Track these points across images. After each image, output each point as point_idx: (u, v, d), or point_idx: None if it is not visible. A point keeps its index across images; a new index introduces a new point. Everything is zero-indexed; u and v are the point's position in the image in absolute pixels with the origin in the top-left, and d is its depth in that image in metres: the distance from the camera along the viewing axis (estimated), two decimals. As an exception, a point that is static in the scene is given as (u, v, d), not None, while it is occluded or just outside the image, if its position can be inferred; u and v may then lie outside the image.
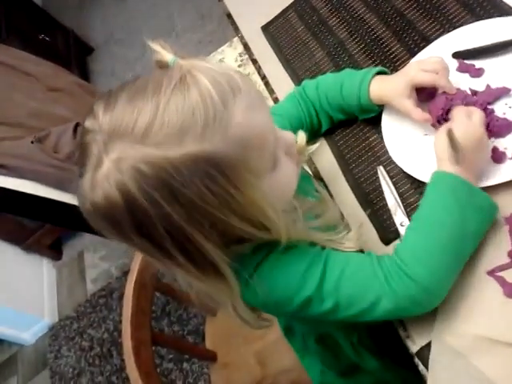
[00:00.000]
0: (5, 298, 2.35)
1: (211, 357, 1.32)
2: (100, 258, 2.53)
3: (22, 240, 2.48)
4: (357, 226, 0.81)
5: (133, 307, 1.08)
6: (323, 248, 0.73)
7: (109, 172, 0.57)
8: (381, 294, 0.68)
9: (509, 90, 0.83)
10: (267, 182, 0.65)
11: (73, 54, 3.06)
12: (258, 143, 0.62)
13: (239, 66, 1.61)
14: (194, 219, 0.59)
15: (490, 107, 0.82)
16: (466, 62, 0.89)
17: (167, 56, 0.63)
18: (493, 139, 0.80)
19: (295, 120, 0.93)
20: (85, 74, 3.14)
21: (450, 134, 0.72)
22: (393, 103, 0.86)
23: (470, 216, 0.70)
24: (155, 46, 0.64)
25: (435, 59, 0.84)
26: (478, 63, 0.89)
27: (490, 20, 0.90)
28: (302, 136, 0.87)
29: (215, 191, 0.58)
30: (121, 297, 1.94)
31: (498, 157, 0.77)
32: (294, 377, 1.20)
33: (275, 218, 0.65)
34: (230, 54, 1.69)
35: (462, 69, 0.89)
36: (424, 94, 0.85)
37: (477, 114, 0.76)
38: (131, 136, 0.57)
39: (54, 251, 2.65)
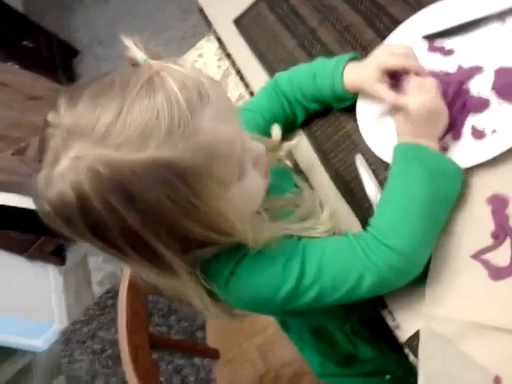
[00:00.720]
0: (14, 308, 2.38)
1: (214, 354, 1.32)
2: (103, 261, 2.54)
3: (25, 249, 2.48)
4: (327, 208, 0.79)
5: (127, 313, 1.08)
6: (299, 238, 0.73)
7: (65, 170, 0.55)
8: (363, 271, 0.68)
9: (480, 69, 0.81)
10: (232, 192, 0.64)
11: (57, 57, 3.03)
12: (224, 153, 0.61)
13: (219, 59, 1.59)
14: (151, 225, 0.58)
15: (464, 87, 0.81)
16: (436, 43, 0.87)
17: (138, 54, 0.61)
18: (470, 117, 0.78)
19: (268, 114, 0.91)
20: (71, 77, 3.12)
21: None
22: (366, 90, 0.85)
23: (438, 180, 0.71)
24: (128, 43, 0.62)
25: (402, 44, 0.82)
26: (448, 43, 0.87)
27: (446, 1, 0.88)
28: (276, 130, 0.86)
29: (175, 199, 0.57)
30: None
31: (478, 134, 0.76)
32: (297, 368, 1.21)
33: (240, 226, 0.64)
34: (208, 49, 1.66)
35: (432, 49, 0.87)
36: (395, 82, 0.84)
37: (429, 83, 0.76)
38: (91, 135, 0.55)
39: (57, 257, 2.66)
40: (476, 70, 0.81)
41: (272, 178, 0.77)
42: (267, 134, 0.87)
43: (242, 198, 0.66)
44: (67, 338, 2.47)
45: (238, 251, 0.70)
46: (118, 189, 0.55)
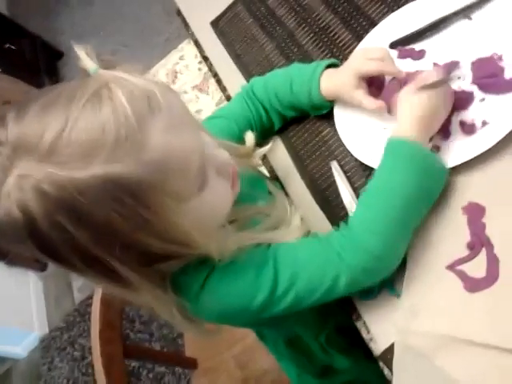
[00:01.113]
0: (-6, 314, 2.33)
1: (191, 364, 1.29)
2: (85, 267, 2.50)
3: (4, 254, 2.43)
4: (297, 217, 0.78)
5: (100, 323, 1.06)
6: (269, 244, 0.71)
7: (11, 190, 0.52)
8: (337, 271, 0.67)
9: (457, 63, 0.80)
10: (192, 204, 0.61)
11: (41, 60, 3.00)
12: (179, 166, 0.58)
13: (200, 62, 1.58)
14: (103, 242, 0.56)
15: None
16: (404, 48, 0.86)
17: (89, 64, 0.58)
18: (456, 113, 0.77)
19: (243, 121, 0.89)
20: (56, 79, 3.09)
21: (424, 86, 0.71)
22: (343, 97, 0.83)
23: (423, 179, 0.69)
24: (80, 52, 0.59)
25: (377, 47, 0.80)
26: (416, 46, 0.86)
27: (417, 1, 0.87)
28: (250, 137, 0.84)
29: (126, 215, 0.54)
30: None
31: (468, 130, 0.74)
32: (275, 377, 1.19)
33: (201, 239, 0.62)
34: (189, 51, 1.65)
35: (403, 55, 0.86)
36: (373, 88, 0.82)
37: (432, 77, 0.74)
38: (36, 152, 0.52)
39: (38, 263, 2.61)
40: (453, 65, 0.80)
41: (244, 186, 0.75)
42: (242, 141, 0.85)
43: (204, 210, 0.63)
44: (47, 344, 2.43)
45: (206, 264, 0.67)
46: (64, 207, 0.52)
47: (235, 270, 0.68)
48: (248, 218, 0.75)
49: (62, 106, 0.53)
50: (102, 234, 0.55)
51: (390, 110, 0.80)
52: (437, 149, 0.75)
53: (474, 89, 0.77)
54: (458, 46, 0.82)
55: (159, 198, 0.56)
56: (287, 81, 0.87)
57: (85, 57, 0.58)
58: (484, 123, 0.73)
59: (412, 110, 0.72)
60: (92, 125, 0.52)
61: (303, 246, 0.71)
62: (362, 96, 0.80)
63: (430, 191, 0.71)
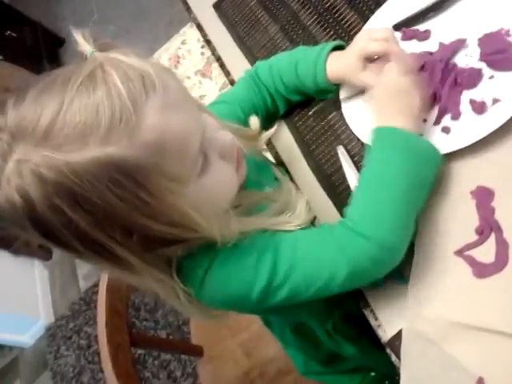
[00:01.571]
0: (0, 304, 2.33)
1: (197, 351, 1.29)
2: (90, 255, 2.50)
3: (10, 243, 2.44)
4: (303, 201, 0.77)
5: (107, 311, 1.06)
6: (274, 233, 0.70)
7: (10, 175, 0.52)
8: (337, 262, 0.65)
9: (464, 41, 0.78)
10: (193, 187, 0.60)
11: (42, 47, 2.98)
12: (176, 148, 0.57)
13: (202, 46, 1.55)
14: (102, 226, 0.55)
15: (451, 62, 0.77)
16: (409, 29, 0.84)
17: (86, 47, 0.58)
18: (465, 92, 0.75)
19: (247, 106, 0.87)
20: (57, 66, 3.05)
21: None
22: (348, 79, 0.81)
23: (415, 164, 0.67)
24: (77, 36, 0.59)
25: (382, 28, 0.78)
26: (421, 27, 0.84)
27: None
28: (254, 121, 0.82)
29: (124, 198, 0.54)
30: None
31: (478, 108, 0.72)
32: (281, 365, 1.19)
33: (203, 222, 0.61)
34: (192, 35, 1.63)
35: (407, 36, 0.84)
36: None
37: (389, 64, 0.74)
38: (33, 137, 0.52)
39: (44, 251, 2.62)
40: (459, 43, 0.78)
41: (250, 172, 0.74)
42: (247, 126, 0.83)
43: (206, 193, 0.63)
44: (53, 333, 2.44)
45: (211, 250, 0.66)
46: (62, 191, 0.52)
47: (237, 256, 0.67)
48: (254, 203, 0.74)
49: (58, 89, 0.53)
50: (100, 217, 0.54)
51: None
52: (447, 130, 0.73)
53: (483, 66, 0.75)
54: (464, 24, 0.80)
55: (157, 179, 0.55)
56: (292, 64, 0.85)
57: (82, 41, 0.58)
58: (495, 101, 0.71)
59: (381, 99, 0.72)
60: (86, 107, 0.52)
61: (304, 237, 0.69)
62: (367, 77, 0.78)
63: (423, 175, 0.68)
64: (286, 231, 0.71)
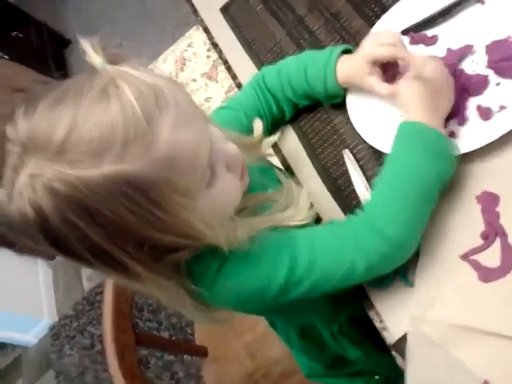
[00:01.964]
0: (3, 303, 2.35)
1: (202, 352, 1.29)
2: (93, 255, 2.51)
3: (14, 242, 2.44)
4: (305, 196, 0.77)
5: (113, 312, 1.06)
6: (286, 230, 0.71)
7: (23, 188, 0.53)
8: (354, 257, 0.66)
9: (471, 47, 0.79)
10: (201, 199, 0.61)
11: (48, 48, 2.99)
12: (187, 162, 0.57)
13: (208, 49, 1.56)
14: (115, 239, 0.56)
15: (458, 68, 0.78)
16: (416, 34, 0.85)
17: (95, 59, 0.57)
18: (471, 98, 0.76)
19: (252, 112, 0.87)
20: (63, 67, 3.08)
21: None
22: (357, 83, 0.82)
23: (437, 163, 0.68)
24: (86, 46, 0.58)
25: (389, 32, 0.79)
26: (428, 32, 0.85)
27: None
28: (258, 124, 0.83)
29: (137, 213, 0.55)
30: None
31: (485, 114, 0.73)
32: (286, 367, 1.19)
33: (210, 233, 0.62)
34: (198, 38, 1.64)
35: (415, 41, 0.85)
36: (389, 74, 0.81)
37: (436, 59, 0.74)
38: (46, 151, 0.52)
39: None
40: (467, 50, 0.79)
41: (254, 176, 0.75)
42: (251, 131, 0.84)
43: (214, 204, 0.63)
44: (56, 332, 2.44)
45: (221, 250, 0.67)
46: (76, 205, 0.52)
47: (253, 254, 0.67)
48: (257, 204, 0.75)
49: (71, 103, 0.53)
50: (113, 230, 0.55)
51: None
52: (453, 134, 0.74)
53: (490, 73, 0.76)
54: (472, 30, 0.80)
55: (168, 195, 0.56)
56: (301, 68, 0.85)
57: (91, 51, 0.58)
58: (501, 107, 0.72)
59: (414, 96, 0.72)
60: (101, 124, 0.52)
61: (321, 231, 0.70)
62: (375, 82, 0.79)
63: (443, 172, 0.70)
64: (296, 227, 0.72)
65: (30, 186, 0.52)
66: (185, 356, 2.00)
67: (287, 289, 0.68)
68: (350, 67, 0.81)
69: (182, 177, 0.57)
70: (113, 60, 0.58)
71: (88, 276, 2.50)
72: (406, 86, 0.74)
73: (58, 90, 0.56)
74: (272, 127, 0.90)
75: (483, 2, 0.81)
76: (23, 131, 0.54)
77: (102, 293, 2.30)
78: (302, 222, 0.74)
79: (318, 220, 0.85)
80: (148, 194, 0.54)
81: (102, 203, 0.53)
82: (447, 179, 0.71)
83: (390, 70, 0.81)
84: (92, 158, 0.52)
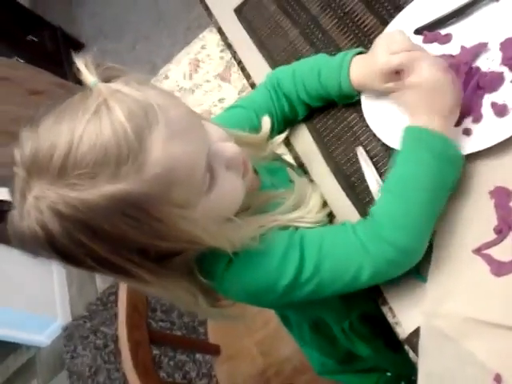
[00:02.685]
0: (18, 303, 2.37)
1: (214, 350, 1.30)
2: (107, 256, 2.53)
3: (29, 244, 2.47)
4: (317, 197, 0.79)
5: (127, 309, 1.07)
6: (296, 229, 0.72)
7: (30, 209, 0.57)
8: (361, 263, 0.67)
9: (485, 45, 0.79)
10: (202, 205, 0.64)
11: (63, 51, 3.02)
12: (184, 174, 0.59)
13: (221, 50, 1.58)
14: (120, 251, 0.59)
15: (473, 66, 0.78)
16: (430, 33, 0.85)
17: (89, 78, 0.60)
18: (487, 95, 0.76)
19: (264, 111, 0.88)
20: (77, 71, 3.10)
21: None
22: (372, 87, 0.82)
23: (443, 168, 0.68)
24: (79, 65, 0.61)
25: (399, 37, 0.77)
26: (442, 31, 0.85)
27: None
28: (266, 122, 0.84)
29: (137, 227, 0.58)
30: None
31: (500, 111, 0.73)
32: (297, 364, 1.20)
33: (212, 240, 0.64)
34: (211, 40, 1.66)
35: (429, 40, 0.85)
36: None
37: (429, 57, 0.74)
38: (47, 175, 0.56)
39: (61, 252, 2.65)
40: (481, 47, 0.79)
41: (263, 175, 0.77)
42: (260, 132, 0.85)
43: (216, 205, 0.66)
44: (70, 333, 2.46)
45: None
46: (78, 224, 0.56)
47: (262, 251, 0.69)
48: (266, 202, 0.76)
49: (66, 125, 0.56)
50: (117, 245, 0.58)
51: None
52: (468, 132, 0.74)
53: (505, 70, 0.76)
54: (486, 28, 0.81)
55: (167, 208, 0.59)
56: (315, 71, 0.85)
57: (84, 70, 0.60)
58: None
59: (413, 100, 0.73)
60: (95, 146, 0.55)
61: (329, 234, 0.71)
62: (392, 86, 0.78)
63: (448, 176, 0.70)
64: (306, 228, 0.73)
65: (35, 207, 0.56)
66: (197, 355, 2.01)
67: (294, 287, 0.69)
68: (364, 71, 0.81)
69: (179, 189, 0.59)
70: (106, 77, 0.60)
71: (102, 276, 2.52)
72: (402, 93, 0.75)
73: (56, 109, 0.59)
74: (284, 127, 0.91)
75: (498, 0, 0.81)
76: (27, 155, 0.57)
77: (115, 293, 2.34)
78: (310, 225, 0.75)
79: (330, 216, 0.86)
80: (146, 210, 0.57)
81: (102, 220, 0.56)
82: (453, 182, 0.71)
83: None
84: (89, 180, 0.55)
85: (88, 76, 0.59)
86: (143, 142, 0.56)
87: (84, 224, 0.56)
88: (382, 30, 0.90)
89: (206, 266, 0.70)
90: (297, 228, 0.73)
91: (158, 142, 0.57)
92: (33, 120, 0.59)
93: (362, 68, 0.82)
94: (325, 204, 0.82)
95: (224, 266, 0.69)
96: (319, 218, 0.77)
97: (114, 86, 0.59)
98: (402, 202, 0.68)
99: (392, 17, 0.90)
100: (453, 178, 0.70)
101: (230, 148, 0.69)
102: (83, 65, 0.60)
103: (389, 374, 1.00)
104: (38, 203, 0.56)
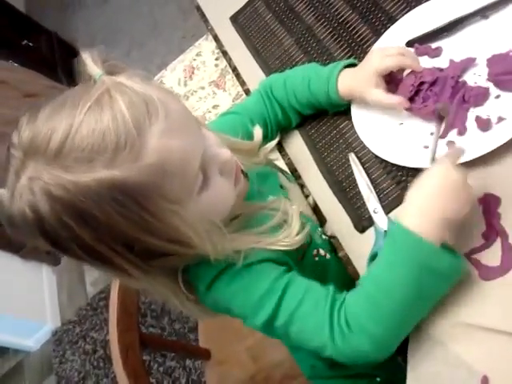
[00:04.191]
0: (7, 307, 2.36)
1: (205, 354, 1.31)
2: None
3: (19, 248, 2.46)
4: (297, 219, 0.76)
5: (118, 312, 1.07)
6: (287, 271, 0.71)
7: (22, 190, 0.57)
8: (325, 345, 0.67)
9: (474, 60, 0.81)
10: (193, 204, 0.64)
11: (58, 57, 3.03)
12: (177, 169, 0.60)
13: (216, 58, 1.59)
14: (106, 241, 0.60)
15: (460, 80, 0.80)
16: (421, 46, 0.87)
17: (94, 70, 0.61)
18: (472, 109, 0.78)
19: (257, 118, 0.90)
20: (72, 76, 3.11)
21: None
22: (363, 96, 0.84)
23: (428, 281, 0.64)
24: (86, 58, 0.62)
25: (396, 45, 0.81)
26: (433, 44, 0.87)
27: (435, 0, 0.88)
28: (258, 131, 0.86)
29: (127, 216, 0.58)
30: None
31: (483, 125, 0.75)
32: (287, 369, 1.19)
33: (198, 240, 0.64)
34: (206, 47, 1.67)
35: (419, 53, 0.87)
36: (391, 85, 0.84)
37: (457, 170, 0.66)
38: (44, 156, 0.56)
39: (52, 256, 2.64)
40: (469, 62, 0.81)
41: (253, 183, 0.77)
42: (252, 138, 0.87)
43: (205, 208, 0.66)
44: (59, 338, 2.45)
45: (217, 263, 0.69)
46: (69, 207, 0.56)
47: (247, 280, 0.70)
48: (252, 214, 0.76)
49: (67, 112, 0.57)
50: (104, 232, 0.59)
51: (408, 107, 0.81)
52: (452, 144, 0.76)
53: (490, 85, 0.78)
54: (475, 43, 0.83)
55: (158, 200, 0.59)
56: (305, 81, 0.88)
57: (91, 63, 0.62)
58: (500, 119, 0.74)
59: (417, 194, 0.67)
60: (94, 132, 0.56)
61: (312, 297, 0.69)
62: (381, 94, 0.81)
63: (434, 289, 0.65)
64: (299, 274, 0.72)
65: (28, 188, 0.57)
66: (187, 362, 2.00)
67: (265, 328, 0.70)
68: (355, 80, 0.83)
69: (171, 183, 0.60)
70: (111, 71, 0.62)
71: (92, 282, 2.51)
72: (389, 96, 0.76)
73: (57, 99, 0.60)
74: (278, 134, 0.93)
75: (487, 17, 0.83)
76: (25, 137, 0.58)
77: (105, 298, 2.33)
78: (288, 248, 0.73)
79: (321, 220, 0.87)
80: (137, 199, 0.58)
81: (93, 206, 0.56)
82: (441, 294, 0.66)
83: (392, 81, 0.84)
84: (85, 164, 0.56)
85: (94, 68, 0.61)
86: (142, 132, 0.57)
87: (74, 208, 0.56)
88: (376, 40, 0.92)
89: (191, 279, 0.71)
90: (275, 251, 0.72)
91: (156, 134, 0.58)
92: (33, 107, 0.60)
93: (349, 80, 0.84)
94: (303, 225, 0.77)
95: (207, 284, 0.70)
96: (296, 243, 0.74)
97: (117, 78, 0.60)
98: (377, 299, 0.65)
99: (386, 28, 0.92)
100: (439, 289, 0.66)
101: (224, 153, 0.70)
102: (90, 58, 0.62)
103: (378, 379, 1.00)
104: (32, 184, 0.56)
